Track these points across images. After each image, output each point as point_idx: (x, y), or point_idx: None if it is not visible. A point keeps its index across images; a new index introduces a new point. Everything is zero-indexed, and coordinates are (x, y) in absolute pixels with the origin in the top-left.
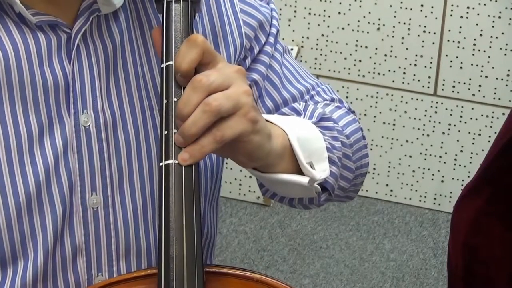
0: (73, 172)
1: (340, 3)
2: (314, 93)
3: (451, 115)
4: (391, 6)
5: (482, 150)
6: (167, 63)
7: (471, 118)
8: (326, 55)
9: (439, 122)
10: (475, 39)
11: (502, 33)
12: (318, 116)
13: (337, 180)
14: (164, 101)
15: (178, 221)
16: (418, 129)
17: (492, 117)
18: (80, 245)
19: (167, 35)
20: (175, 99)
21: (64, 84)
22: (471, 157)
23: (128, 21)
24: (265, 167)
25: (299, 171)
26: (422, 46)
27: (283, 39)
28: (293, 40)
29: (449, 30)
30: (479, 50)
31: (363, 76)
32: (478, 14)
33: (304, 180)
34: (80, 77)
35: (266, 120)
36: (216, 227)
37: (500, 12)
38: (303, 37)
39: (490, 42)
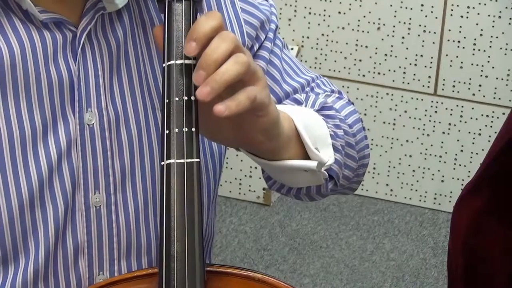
0: (76, 170)
1: (340, 3)
2: (314, 85)
3: (451, 114)
4: (391, 5)
5: (482, 150)
6: (169, 63)
7: (471, 118)
8: (326, 55)
9: (439, 122)
10: (475, 39)
11: (502, 33)
12: (319, 105)
13: (341, 168)
14: (166, 101)
15: (180, 220)
16: (418, 128)
17: (492, 117)
18: (82, 244)
19: (169, 35)
20: (177, 99)
21: (69, 82)
22: (471, 157)
23: (132, 20)
24: (274, 151)
25: (306, 158)
26: (422, 46)
27: (283, 38)
28: (293, 40)
29: (449, 30)
30: (479, 50)
31: (363, 75)
32: (478, 13)
33: (312, 164)
34: (85, 76)
35: None
36: (214, 226)
37: (500, 12)
38: (303, 37)
39: (490, 41)
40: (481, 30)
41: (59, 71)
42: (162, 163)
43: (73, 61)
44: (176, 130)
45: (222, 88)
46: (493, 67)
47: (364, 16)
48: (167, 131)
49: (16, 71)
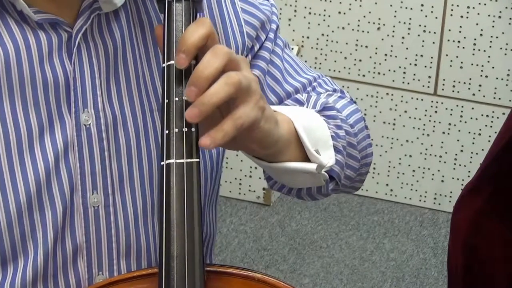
0: (73, 171)
1: (340, 3)
2: (315, 84)
3: (451, 114)
4: (391, 5)
5: (482, 150)
6: (168, 63)
7: (471, 118)
8: (326, 55)
9: (439, 122)
10: (475, 39)
11: (502, 33)
12: (321, 105)
13: (343, 169)
14: (165, 101)
15: (179, 220)
16: (418, 128)
17: (492, 117)
18: (81, 244)
19: (169, 35)
20: (176, 99)
21: (65, 83)
22: (471, 157)
23: (129, 21)
24: (273, 155)
25: (306, 159)
26: (422, 46)
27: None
28: (293, 40)
29: (449, 30)
30: (479, 50)
31: (363, 75)
32: (478, 13)
33: (312, 166)
34: (81, 76)
35: None
36: (215, 226)
37: (500, 12)
38: (303, 37)
39: (490, 42)
40: (481, 30)
41: (54, 72)
42: (162, 163)
43: (68, 61)
44: (176, 130)
45: (210, 110)
46: (493, 67)
47: (364, 16)
48: (167, 131)
49: (11, 72)
